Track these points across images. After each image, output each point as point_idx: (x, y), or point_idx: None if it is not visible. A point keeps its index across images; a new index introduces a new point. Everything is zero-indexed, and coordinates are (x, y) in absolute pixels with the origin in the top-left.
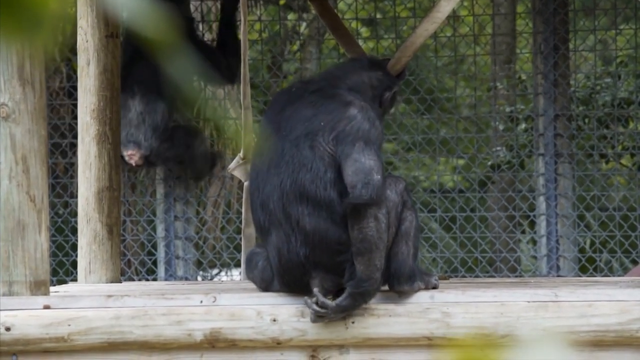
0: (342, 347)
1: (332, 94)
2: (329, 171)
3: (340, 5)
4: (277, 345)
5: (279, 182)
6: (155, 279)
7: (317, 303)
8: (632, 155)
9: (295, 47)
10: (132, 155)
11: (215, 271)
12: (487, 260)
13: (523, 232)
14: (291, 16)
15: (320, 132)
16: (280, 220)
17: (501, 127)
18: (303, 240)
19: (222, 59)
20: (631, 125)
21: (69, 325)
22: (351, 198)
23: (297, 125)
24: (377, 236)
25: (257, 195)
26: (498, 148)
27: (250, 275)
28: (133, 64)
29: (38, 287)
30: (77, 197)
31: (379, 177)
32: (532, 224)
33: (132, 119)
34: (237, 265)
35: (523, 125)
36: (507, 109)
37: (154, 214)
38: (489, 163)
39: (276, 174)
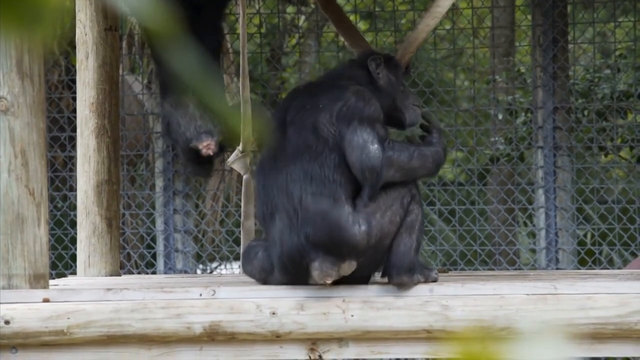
0: (341, 340)
1: (332, 85)
2: (333, 153)
3: None
4: (276, 338)
5: (284, 165)
6: (154, 272)
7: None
8: (631, 147)
9: (294, 40)
10: (208, 146)
11: (214, 264)
12: (486, 253)
13: (522, 225)
14: (290, 9)
15: (321, 115)
16: (284, 204)
17: (500, 117)
18: (304, 220)
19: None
20: (630, 117)
21: (69, 318)
22: (361, 181)
23: (300, 113)
24: (413, 161)
25: (261, 185)
26: (497, 139)
27: (248, 268)
28: None
29: (37, 281)
30: (76, 190)
31: (375, 146)
32: (531, 217)
33: (193, 113)
34: (237, 258)
35: (522, 118)
36: (507, 98)
37: (153, 207)
38: (487, 152)
39: (282, 158)
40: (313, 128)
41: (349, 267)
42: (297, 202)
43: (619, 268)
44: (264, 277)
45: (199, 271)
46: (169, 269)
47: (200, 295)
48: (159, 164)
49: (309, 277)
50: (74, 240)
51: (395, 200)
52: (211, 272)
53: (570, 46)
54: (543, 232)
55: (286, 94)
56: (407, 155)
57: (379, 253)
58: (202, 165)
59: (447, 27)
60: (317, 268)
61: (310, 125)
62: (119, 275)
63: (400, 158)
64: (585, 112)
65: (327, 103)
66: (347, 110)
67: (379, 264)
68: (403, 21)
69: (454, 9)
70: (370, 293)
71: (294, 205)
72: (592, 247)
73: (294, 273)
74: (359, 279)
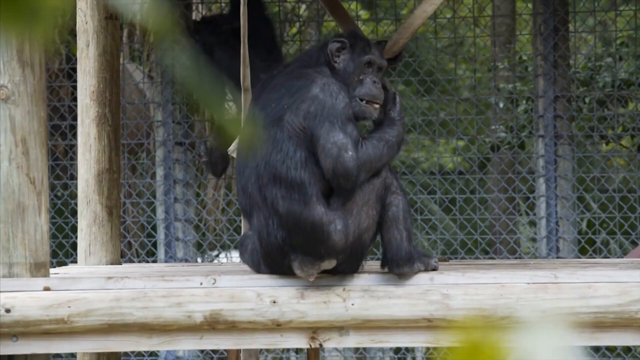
0: (341, 328)
1: (299, 74)
2: (298, 151)
3: None
4: (277, 327)
5: (255, 165)
6: (155, 261)
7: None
8: (632, 136)
9: (295, 29)
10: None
11: (215, 253)
12: (487, 242)
13: (522, 213)
14: None
15: (286, 113)
16: (259, 204)
17: (501, 104)
18: (279, 223)
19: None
20: (631, 106)
21: (69, 307)
22: (335, 188)
23: (265, 109)
24: (383, 157)
25: (239, 179)
26: (497, 127)
27: (243, 258)
28: None
29: (38, 269)
30: (76, 179)
31: (349, 153)
32: (532, 206)
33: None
34: (237, 247)
35: (523, 106)
36: (508, 86)
37: (154, 196)
38: (488, 140)
39: (252, 157)
40: (280, 126)
41: (329, 264)
42: (269, 206)
43: (619, 257)
44: (256, 269)
45: (199, 260)
46: (170, 257)
47: (201, 284)
48: (159, 153)
49: (292, 273)
50: (74, 229)
51: (371, 193)
52: (212, 261)
53: (571, 35)
54: (544, 221)
55: (259, 84)
56: (378, 153)
57: (359, 248)
58: (224, 167)
59: (448, 15)
60: (298, 267)
61: (276, 122)
62: (120, 264)
63: (374, 159)
64: (586, 101)
65: (292, 102)
66: (315, 110)
67: (361, 257)
68: (404, 12)
69: None
70: (370, 282)
71: (268, 208)
72: (593, 236)
73: (277, 269)
74: (344, 271)
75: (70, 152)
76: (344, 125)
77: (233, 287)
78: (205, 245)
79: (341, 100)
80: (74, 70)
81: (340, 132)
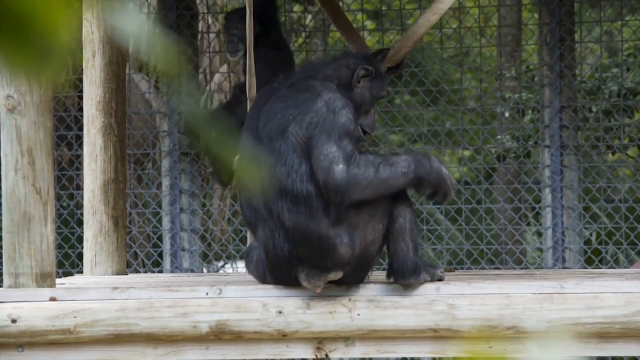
0: (348, 339)
1: (305, 87)
2: (303, 164)
3: None
4: (283, 337)
5: (259, 178)
6: (161, 272)
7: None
8: (639, 146)
9: (301, 40)
10: None
11: (221, 263)
12: (493, 252)
13: (529, 224)
14: (297, 8)
15: (291, 125)
16: (265, 217)
17: (507, 114)
18: (285, 236)
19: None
20: (637, 116)
21: (75, 317)
22: (328, 201)
23: (271, 120)
24: (381, 176)
25: (243, 192)
26: (501, 137)
27: (249, 269)
28: None
29: (44, 280)
30: (83, 189)
31: (340, 167)
32: (538, 216)
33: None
34: (243, 257)
35: (529, 116)
36: (514, 96)
37: (160, 207)
38: (494, 150)
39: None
40: (284, 138)
41: (336, 276)
42: (276, 219)
43: (625, 268)
44: (262, 280)
45: (205, 270)
46: (176, 268)
47: (207, 294)
48: (165, 163)
49: (299, 284)
50: (80, 239)
51: (378, 208)
52: (218, 271)
53: (577, 45)
54: (550, 232)
55: (258, 94)
56: (372, 169)
57: (366, 260)
58: (229, 175)
59: (454, 26)
60: (305, 279)
61: (281, 134)
62: (126, 274)
63: (367, 174)
64: (593, 111)
65: (297, 114)
66: (316, 122)
67: (367, 268)
68: (410, 22)
69: (461, 8)
70: (376, 292)
71: (274, 222)
72: (599, 247)
73: (283, 281)
74: (350, 282)
75: (77, 162)
76: (340, 139)
77: (239, 297)
78: (211, 256)
79: (343, 116)
80: (80, 80)
81: (334, 145)
